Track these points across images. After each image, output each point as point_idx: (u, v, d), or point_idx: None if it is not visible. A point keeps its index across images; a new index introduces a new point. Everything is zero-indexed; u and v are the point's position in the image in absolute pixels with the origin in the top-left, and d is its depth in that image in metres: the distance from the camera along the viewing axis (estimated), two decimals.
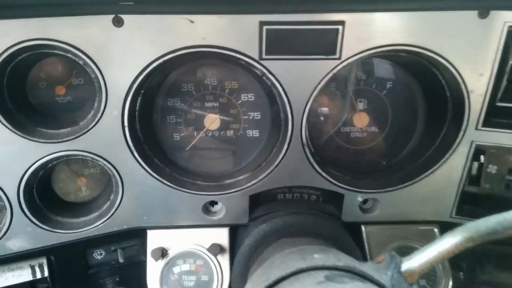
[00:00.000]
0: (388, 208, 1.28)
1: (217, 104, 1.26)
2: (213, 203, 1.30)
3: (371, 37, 1.01)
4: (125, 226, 1.27)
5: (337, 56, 1.03)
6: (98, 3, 0.96)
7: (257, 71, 1.11)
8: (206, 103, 1.26)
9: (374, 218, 1.30)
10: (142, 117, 1.19)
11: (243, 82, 1.24)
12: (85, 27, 0.98)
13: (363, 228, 1.31)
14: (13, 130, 1.04)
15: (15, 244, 1.19)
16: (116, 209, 1.23)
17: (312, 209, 1.28)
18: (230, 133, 1.30)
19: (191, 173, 1.30)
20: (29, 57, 1.05)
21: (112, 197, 1.25)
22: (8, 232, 1.17)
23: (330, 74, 1.06)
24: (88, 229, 1.24)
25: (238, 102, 1.26)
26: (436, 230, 1.32)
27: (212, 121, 1.28)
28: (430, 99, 1.24)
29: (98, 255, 1.35)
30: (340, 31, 0.99)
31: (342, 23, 0.99)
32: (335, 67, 1.05)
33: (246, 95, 1.25)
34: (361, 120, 1.30)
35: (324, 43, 1.01)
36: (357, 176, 1.29)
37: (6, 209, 1.14)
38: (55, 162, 1.17)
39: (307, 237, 1.18)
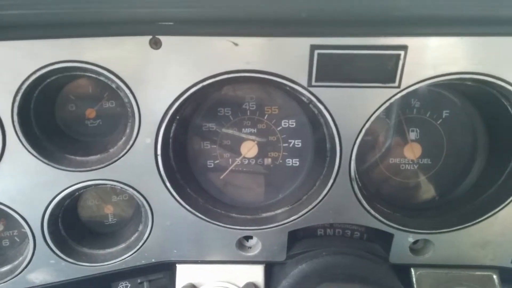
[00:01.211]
0: (441, 251, 1.16)
1: (255, 130, 1.17)
2: (248, 237, 1.20)
3: (436, 64, 0.90)
4: (153, 260, 1.18)
5: (396, 84, 0.92)
6: (135, 23, 0.87)
7: (303, 98, 1.01)
8: (243, 129, 1.17)
9: (425, 260, 1.18)
10: (175, 144, 1.10)
11: (284, 108, 1.14)
12: (120, 48, 0.90)
13: (413, 271, 1.19)
14: (40, 158, 0.97)
15: (37, 277, 1.12)
16: (144, 241, 1.14)
17: (357, 248, 1.16)
18: (268, 161, 1.20)
19: (225, 204, 1.21)
20: (59, 79, 0.98)
21: (140, 228, 1.17)
22: (30, 264, 1.10)
23: (387, 104, 0.95)
24: (114, 262, 1.15)
25: (278, 129, 1.17)
26: (495, 276, 1.18)
27: (250, 148, 1.18)
28: (493, 132, 1.12)
29: (124, 287, 1.26)
30: (402, 56, 0.88)
31: (404, 48, 0.88)
32: (393, 96, 0.94)
33: (287, 121, 1.16)
34: (413, 152, 1.18)
35: (383, 70, 0.90)
36: (408, 214, 1.17)
37: (29, 240, 1.06)
38: (82, 190, 1.09)
39: (352, 282, 1.06)
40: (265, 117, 1.15)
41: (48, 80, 0.96)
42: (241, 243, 1.20)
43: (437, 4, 0.84)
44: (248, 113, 1.15)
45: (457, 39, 0.88)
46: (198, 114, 1.15)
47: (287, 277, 1.12)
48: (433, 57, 0.90)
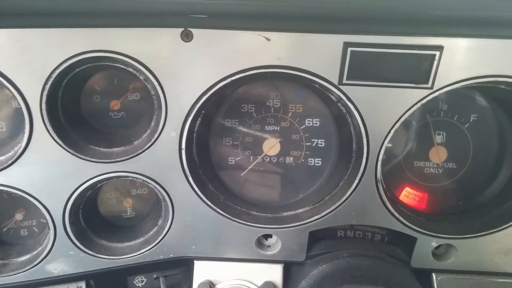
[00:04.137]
0: (465, 256, 1.14)
1: (279, 128, 1.16)
2: (267, 236, 1.18)
3: (470, 66, 0.89)
4: (171, 255, 1.17)
5: (429, 85, 0.90)
6: (168, 15, 0.87)
7: (332, 96, 0.99)
8: (266, 126, 1.16)
9: (447, 266, 1.16)
10: (198, 139, 1.09)
11: (309, 106, 1.13)
12: (150, 40, 0.89)
13: (434, 276, 1.18)
14: (65, 147, 0.96)
15: (56, 267, 1.11)
16: (164, 236, 1.13)
17: (378, 251, 1.14)
18: (290, 160, 1.19)
19: (245, 201, 1.19)
20: (87, 69, 0.97)
21: (160, 222, 1.16)
22: (49, 255, 1.09)
23: (418, 105, 0.93)
24: (132, 256, 1.14)
25: (302, 127, 1.15)
26: None
27: (272, 145, 1.17)
28: None
29: (139, 282, 1.26)
30: (437, 57, 0.87)
31: (440, 48, 0.86)
32: (425, 97, 0.92)
33: (311, 120, 1.14)
34: (438, 155, 1.16)
35: (416, 70, 0.89)
36: (432, 218, 1.15)
37: (49, 230, 1.05)
38: (104, 182, 1.08)
39: (373, 285, 1.04)
40: (289, 115, 1.14)
41: (78, 70, 0.95)
42: (261, 242, 1.18)
43: (475, 5, 0.82)
44: (272, 111, 1.14)
45: (493, 41, 0.87)
46: (222, 109, 1.13)
47: (306, 277, 1.10)
48: (468, 59, 0.88)
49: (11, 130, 1.06)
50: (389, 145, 1.15)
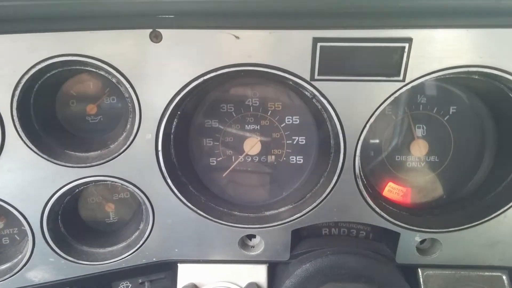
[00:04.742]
0: (449, 250, 1.13)
1: (259, 127, 1.15)
2: (251, 236, 1.18)
3: (441, 57, 0.88)
4: (154, 259, 1.16)
5: (400, 78, 0.90)
6: (136, 16, 0.86)
7: (306, 93, 0.99)
8: (246, 126, 1.15)
9: (432, 261, 1.15)
10: (177, 140, 1.09)
11: (288, 104, 1.12)
12: (119, 42, 0.89)
13: (420, 271, 1.17)
14: (39, 153, 0.96)
15: (36, 275, 1.10)
16: (145, 240, 1.12)
17: (362, 248, 1.13)
18: (271, 158, 1.18)
19: (227, 202, 1.19)
20: (59, 73, 0.97)
21: (141, 226, 1.15)
22: (29, 262, 1.08)
23: (391, 98, 0.93)
24: (115, 261, 1.14)
25: (282, 125, 1.15)
26: (504, 277, 1.15)
27: (253, 145, 1.16)
28: (502, 129, 1.09)
29: (124, 287, 1.24)
30: (406, 49, 0.86)
31: (409, 40, 0.86)
32: (397, 90, 0.92)
33: (290, 117, 1.14)
34: (420, 148, 1.15)
35: (387, 63, 0.88)
36: (415, 212, 1.14)
37: (28, 237, 1.05)
38: (82, 187, 1.07)
39: (358, 282, 1.03)
40: (269, 114, 1.14)
41: (48, 75, 0.95)
42: (244, 242, 1.17)
43: None
44: (251, 110, 1.13)
45: (463, 31, 0.86)
46: (200, 110, 1.13)
47: (290, 277, 1.09)
48: (438, 50, 0.88)
49: None
50: (370, 140, 1.15)
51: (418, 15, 0.84)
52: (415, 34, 0.86)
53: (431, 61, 0.88)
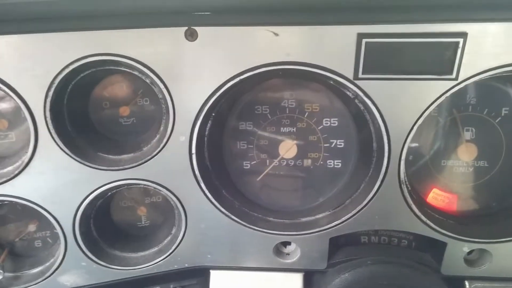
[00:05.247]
0: (500, 262, 1.05)
1: (295, 129, 1.10)
2: (286, 243, 1.13)
3: (498, 53, 0.81)
4: (186, 265, 1.13)
5: (453, 76, 0.83)
6: (170, 13, 0.83)
7: (348, 93, 0.93)
8: (282, 128, 1.10)
9: (481, 273, 1.07)
10: (210, 143, 1.05)
11: (326, 105, 1.07)
12: (154, 41, 0.86)
13: (467, 284, 1.09)
14: (72, 156, 0.94)
15: (68, 280, 1.09)
16: (178, 245, 1.09)
17: (405, 258, 1.07)
18: (307, 162, 1.13)
19: (262, 208, 1.14)
20: (93, 74, 0.95)
21: (174, 231, 1.12)
22: (61, 266, 1.07)
23: (442, 98, 0.86)
24: (146, 266, 1.11)
25: (319, 128, 1.09)
26: None
27: (288, 148, 1.11)
28: None
29: None
30: (461, 45, 0.80)
31: (463, 35, 0.79)
32: (449, 90, 0.85)
33: (328, 119, 1.08)
34: (468, 153, 1.08)
35: (438, 60, 0.82)
36: (463, 221, 1.07)
37: (60, 241, 1.03)
38: (115, 190, 1.05)
39: None
40: (305, 115, 1.09)
41: (82, 75, 0.93)
42: (279, 249, 1.13)
43: None
44: (287, 111, 1.09)
45: None
46: (234, 112, 1.09)
47: (328, 287, 1.04)
48: (495, 45, 0.81)
49: (21, 140, 1.04)
50: (414, 143, 1.08)
51: (474, 7, 0.77)
52: (470, 28, 0.79)
53: (487, 58, 0.82)
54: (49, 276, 1.07)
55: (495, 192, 1.11)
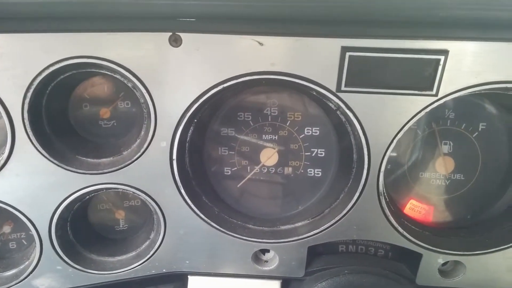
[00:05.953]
0: (473, 274, 1.08)
1: (276, 137, 1.10)
2: (265, 250, 1.13)
3: (478, 71, 0.83)
4: (164, 270, 1.12)
5: (433, 92, 0.84)
6: (155, 18, 0.82)
7: (330, 104, 0.94)
8: (264, 135, 1.10)
9: (455, 284, 1.10)
10: (191, 149, 1.05)
11: (308, 114, 1.08)
12: (137, 45, 0.84)
13: None
14: (50, 158, 0.92)
15: (43, 283, 1.06)
16: (156, 250, 1.08)
17: (381, 268, 1.08)
18: (288, 170, 1.13)
19: (242, 214, 1.14)
20: (73, 75, 0.93)
21: (152, 235, 1.11)
22: (36, 269, 1.05)
23: (422, 113, 0.87)
24: (123, 271, 1.10)
25: (301, 136, 1.10)
26: None
27: (270, 156, 1.11)
28: None
29: None
30: (442, 62, 0.81)
31: (445, 52, 0.81)
32: (429, 105, 0.86)
33: (310, 128, 1.09)
34: (445, 166, 1.10)
35: (420, 76, 0.83)
36: (439, 233, 1.09)
37: (35, 244, 1.01)
38: (93, 194, 1.03)
39: None
40: (287, 124, 1.09)
41: (62, 77, 0.91)
42: (257, 257, 1.13)
43: (483, 5, 0.76)
44: (270, 119, 1.09)
45: (502, 45, 0.81)
46: (217, 118, 1.09)
47: None
48: (475, 63, 0.83)
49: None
50: (393, 154, 1.10)
51: (456, 26, 0.79)
52: (451, 46, 0.81)
53: (467, 75, 0.83)
54: (24, 279, 1.05)
55: (470, 205, 1.13)
